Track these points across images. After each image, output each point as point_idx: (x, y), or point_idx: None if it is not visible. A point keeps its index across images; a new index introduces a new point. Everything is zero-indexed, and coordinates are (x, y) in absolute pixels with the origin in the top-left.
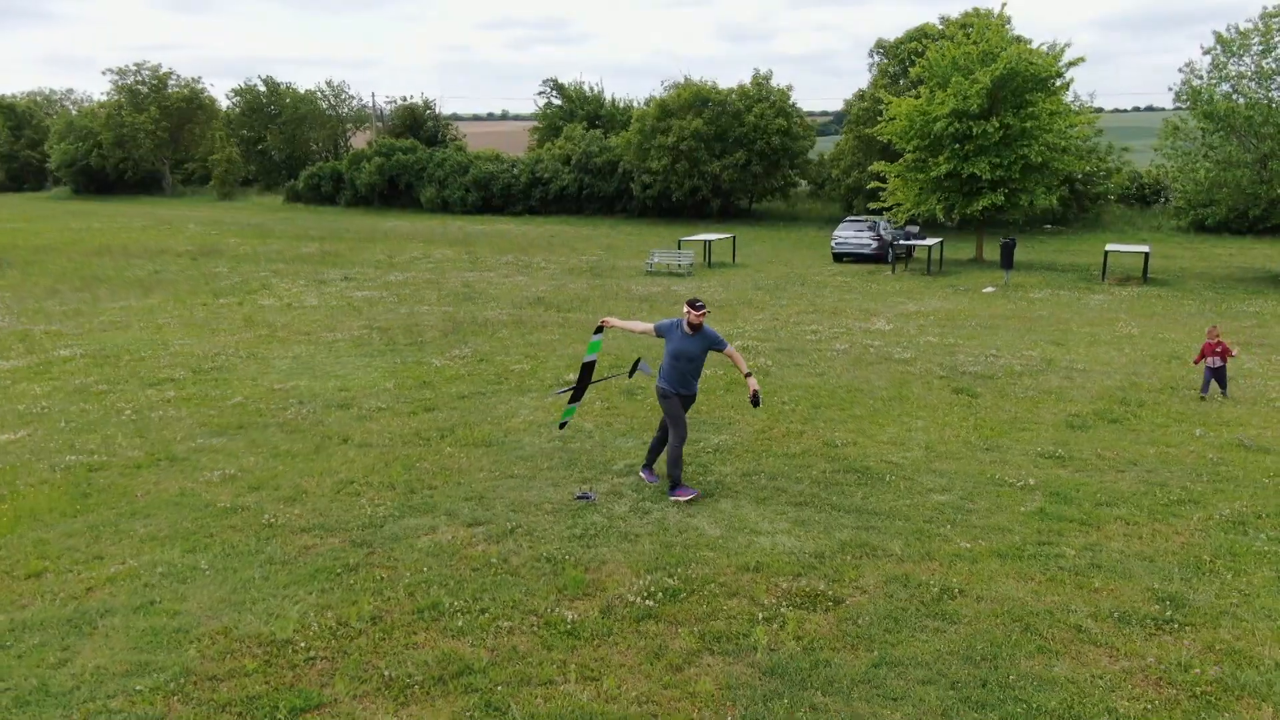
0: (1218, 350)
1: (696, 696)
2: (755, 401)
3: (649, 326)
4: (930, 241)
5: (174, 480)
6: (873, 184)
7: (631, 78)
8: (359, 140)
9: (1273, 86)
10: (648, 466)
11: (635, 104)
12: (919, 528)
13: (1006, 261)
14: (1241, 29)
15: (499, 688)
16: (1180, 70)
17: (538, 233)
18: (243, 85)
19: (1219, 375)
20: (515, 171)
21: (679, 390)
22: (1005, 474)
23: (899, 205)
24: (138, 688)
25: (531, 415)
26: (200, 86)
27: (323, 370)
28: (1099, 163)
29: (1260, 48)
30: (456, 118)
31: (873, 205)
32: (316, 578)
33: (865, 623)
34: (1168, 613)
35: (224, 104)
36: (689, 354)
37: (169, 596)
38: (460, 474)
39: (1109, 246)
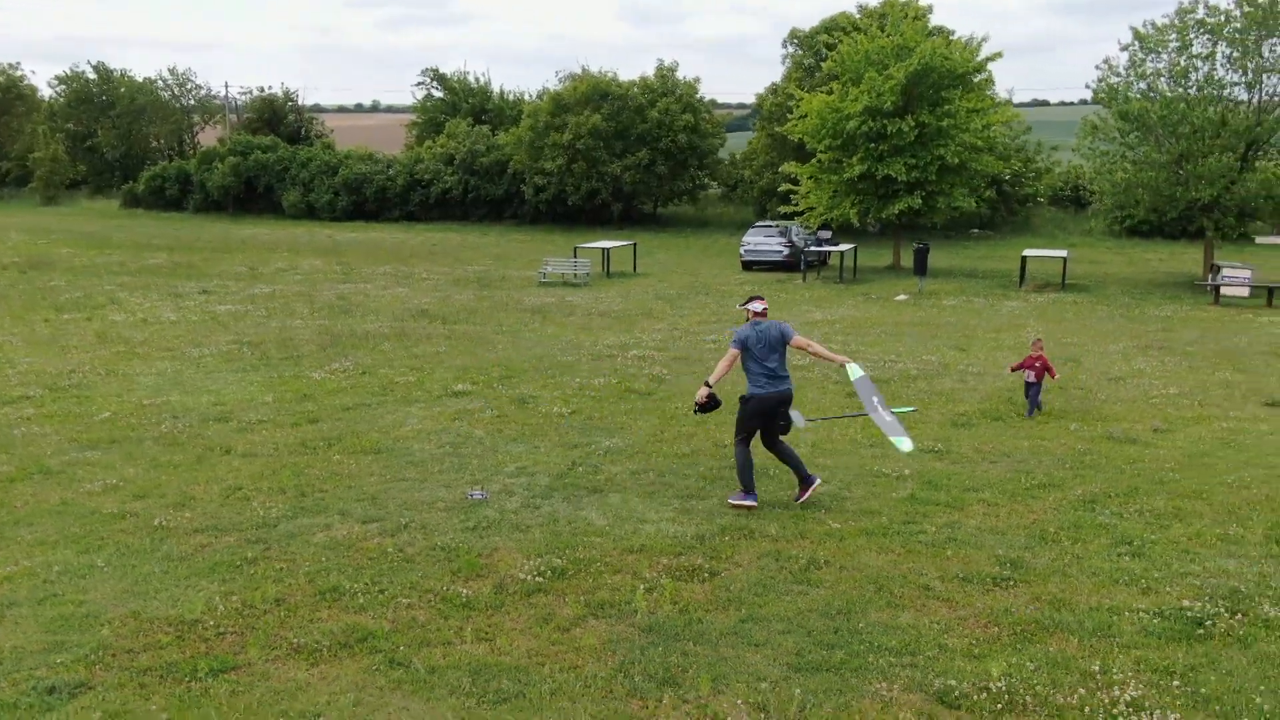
0: (1036, 364)
1: (581, 650)
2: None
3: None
4: (843, 248)
5: (53, 491)
6: (784, 186)
7: (523, 66)
8: (209, 137)
9: (1189, 85)
10: (803, 480)
11: (527, 97)
12: (796, 513)
13: (920, 268)
14: (1159, 25)
15: (401, 648)
16: (1098, 67)
17: (418, 241)
18: (68, 72)
19: (1032, 392)
20: (391, 172)
21: (771, 389)
22: (885, 467)
23: (812, 209)
24: (59, 660)
25: (420, 424)
26: (19, 74)
27: (194, 385)
28: (1027, 163)
29: (1177, 44)
30: (320, 109)
31: (784, 209)
32: (216, 570)
33: (737, 589)
34: (1006, 573)
35: (45, 94)
36: (769, 341)
37: (71, 590)
38: (350, 479)
39: (1027, 252)
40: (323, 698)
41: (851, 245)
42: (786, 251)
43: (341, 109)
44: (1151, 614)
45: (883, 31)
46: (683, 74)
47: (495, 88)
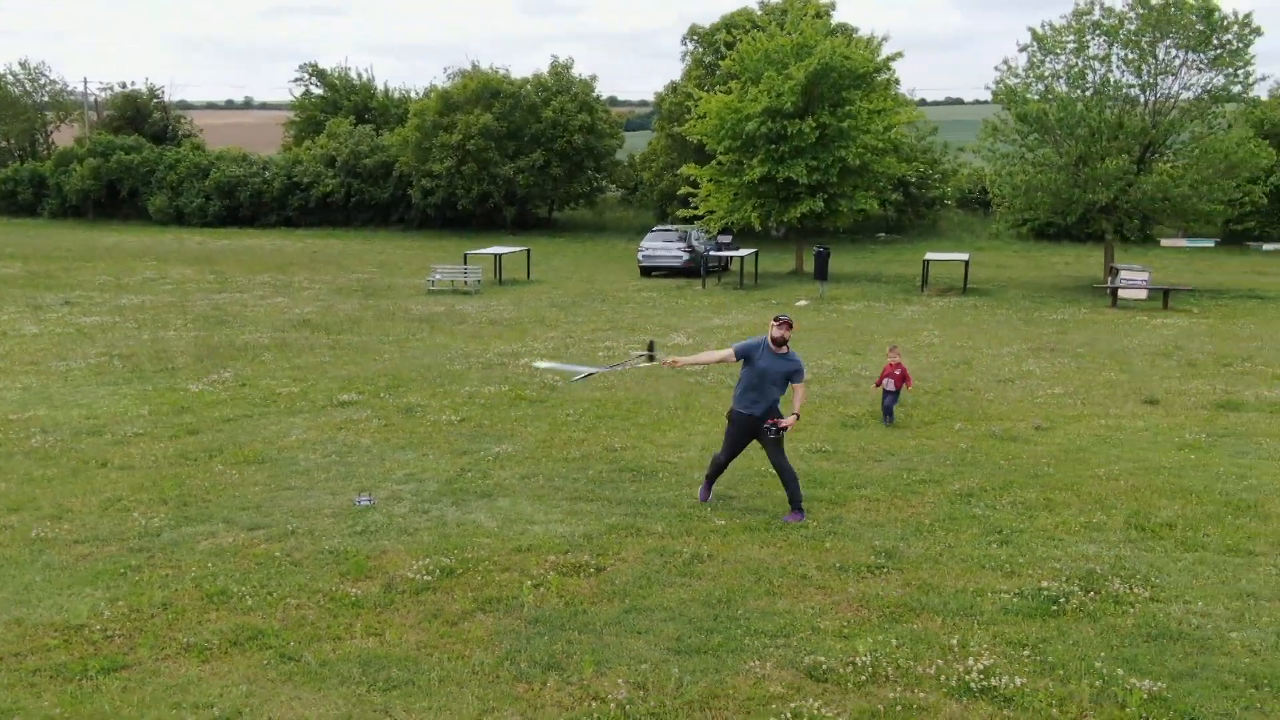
0: (896, 373)
1: (469, 641)
2: (774, 431)
3: (727, 352)
4: (744, 252)
5: None
6: (684, 189)
7: (409, 60)
8: (65, 136)
9: (1085, 87)
10: (705, 485)
11: (414, 95)
12: (684, 512)
13: (820, 273)
14: (1056, 26)
15: (291, 644)
16: (997, 68)
17: (297, 248)
18: None
19: (888, 400)
20: (267, 175)
21: (749, 410)
22: (770, 468)
23: (712, 213)
24: None
25: (305, 434)
26: None
27: (62, 399)
28: (933, 164)
29: (1074, 46)
30: (186, 106)
31: (683, 213)
32: (100, 578)
33: (622, 583)
34: (881, 562)
35: None
36: (771, 376)
37: None
38: (234, 488)
39: (928, 256)
40: (215, 691)
41: (753, 250)
42: (686, 257)
43: (211, 106)
44: (1012, 594)
45: (782, 30)
46: (579, 71)
47: (379, 85)
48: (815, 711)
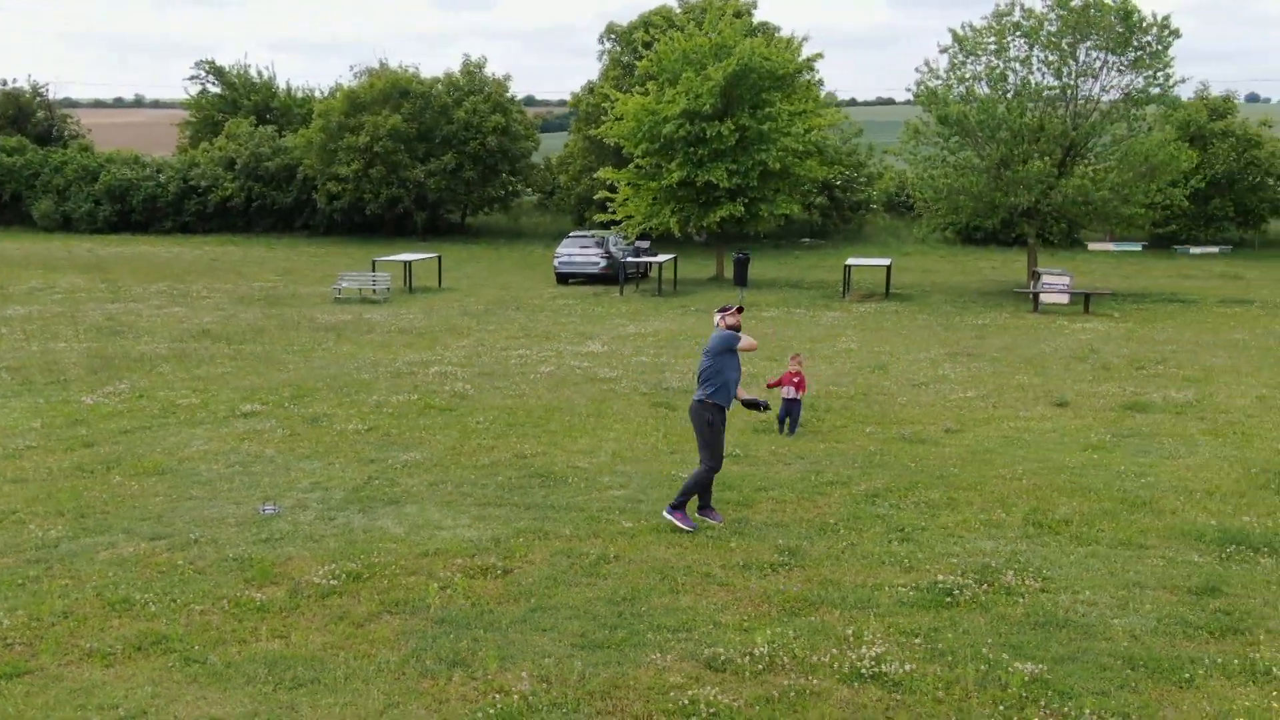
0: (795, 381)
1: (375, 641)
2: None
3: (748, 341)
4: (663, 258)
5: None
6: (601, 194)
7: (312, 57)
8: None
9: (1007, 89)
10: (706, 507)
11: (318, 94)
12: (592, 515)
13: (740, 278)
14: (977, 27)
15: (196, 647)
16: (918, 69)
17: (195, 256)
18: None
19: (792, 409)
20: (162, 178)
21: (726, 405)
22: (683, 471)
23: (630, 218)
24: None
25: (206, 445)
26: None
27: None
28: (858, 167)
29: (995, 47)
30: (72, 104)
31: (601, 218)
32: None
33: (529, 583)
34: (784, 560)
35: None
36: (736, 362)
37: None
38: (134, 500)
39: (850, 261)
40: (119, 693)
41: (672, 256)
42: (604, 263)
43: (99, 104)
44: (909, 588)
45: (701, 30)
46: (493, 70)
47: (281, 83)
48: (712, 699)
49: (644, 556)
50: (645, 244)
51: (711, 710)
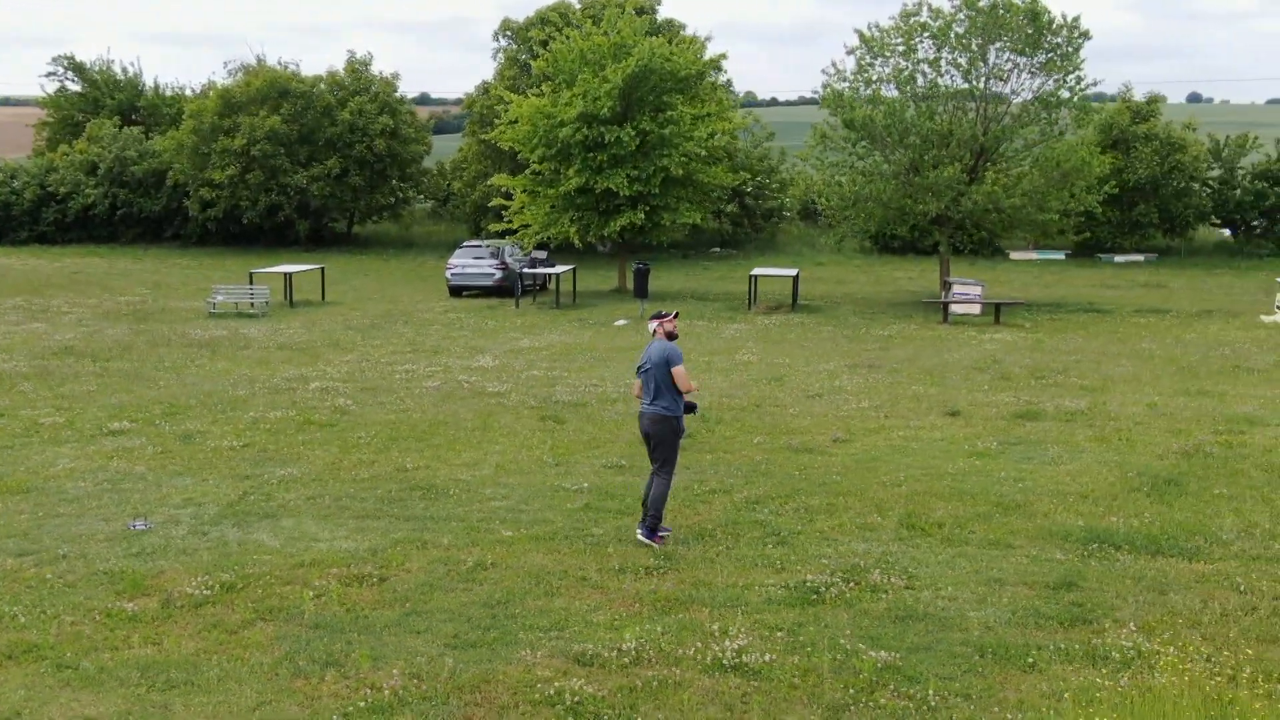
0: None
1: (249, 646)
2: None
3: (687, 385)
4: (560, 269)
5: None
6: (496, 201)
7: (183, 49)
8: None
9: (915, 92)
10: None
11: (189, 92)
12: (472, 525)
13: (640, 290)
14: (884, 27)
15: (69, 655)
16: (824, 71)
17: (55, 268)
18: None
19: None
20: (16, 184)
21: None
22: (566, 483)
23: (527, 227)
24: None
25: (73, 464)
26: None
27: None
28: (770, 173)
29: (902, 48)
30: None
31: (495, 228)
32: None
33: (404, 590)
34: (660, 564)
35: None
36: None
37: None
38: None
39: (755, 271)
40: None
41: (571, 267)
42: (499, 275)
43: None
44: (779, 587)
45: (599, 28)
46: (380, 68)
47: (148, 80)
48: (577, 689)
49: (521, 563)
50: (542, 254)
51: (576, 699)
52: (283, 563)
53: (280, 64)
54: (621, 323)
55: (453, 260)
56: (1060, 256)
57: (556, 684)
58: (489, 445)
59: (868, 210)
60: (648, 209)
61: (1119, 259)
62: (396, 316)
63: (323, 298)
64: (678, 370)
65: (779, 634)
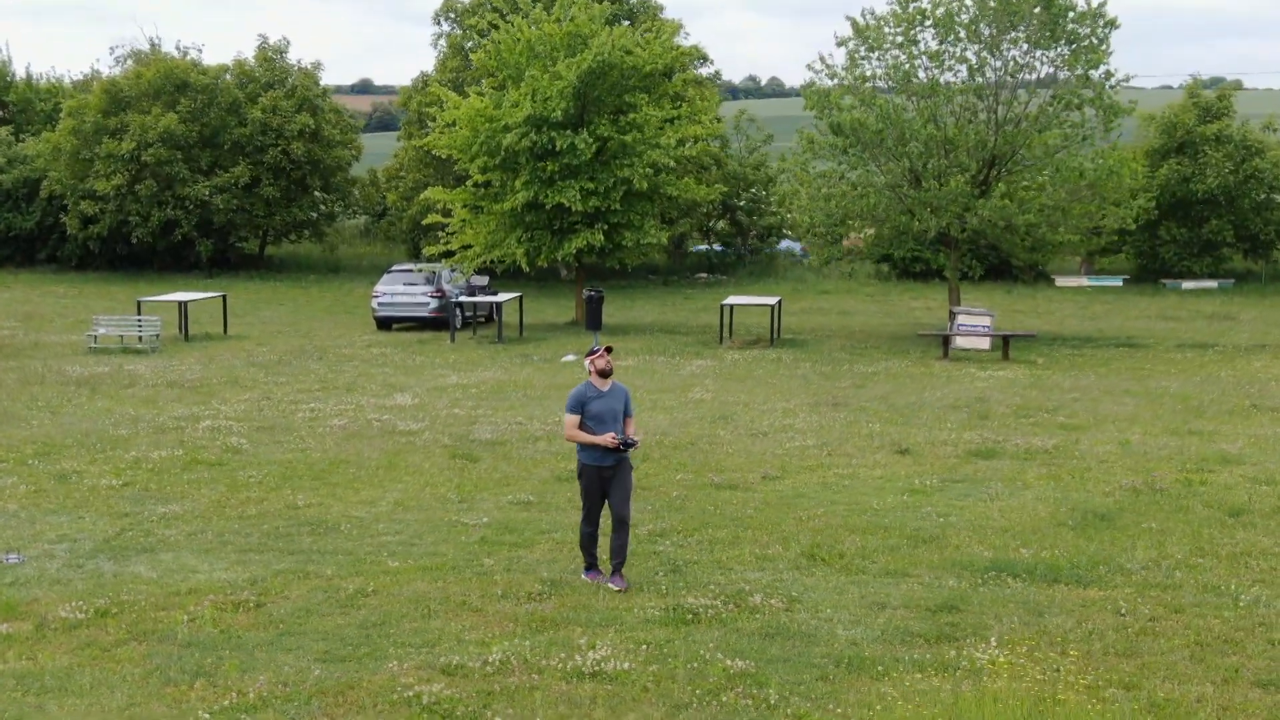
0: None
1: (120, 661)
2: (626, 446)
3: (569, 419)
4: (504, 297)
5: None
6: (432, 218)
7: (65, 29)
8: None
9: (914, 91)
10: (600, 570)
11: (69, 83)
12: (359, 558)
13: (593, 321)
14: (880, 15)
15: None
16: (809, 67)
17: None
18: None
19: None
20: None
21: (600, 462)
22: (467, 518)
23: (468, 248)
24: None
25: None
26: None
27: None
28: (766, 184)
29: (901, 40)
30: None
31: (432, 250)
32: None
33: (280, 614)
34: (545, 590)
35: None
36: (611, 413)
37: None
38: None
39: (729, 300)
40: None
41: (516, 295)
42: (435, 304)
43: None
44: (658, 610)
45: (549, 15)
46: (298, 56)
47: (18, 70)
48: (436, 693)
49: (404, 591)
50: (483, 280)
51: (433, 700)
52: (158, 591)
53: (179, 50)
54: (569, 358)
55: (379, 288)
56: (1117, 283)
57: (416, 688)
58: (391, 484)
59: (858, 229)
60: (606, 227)
61: (1186, 285)
62: (310, 352)
63: (225, 331)
64: (567, 431)
65: (644, 648)
